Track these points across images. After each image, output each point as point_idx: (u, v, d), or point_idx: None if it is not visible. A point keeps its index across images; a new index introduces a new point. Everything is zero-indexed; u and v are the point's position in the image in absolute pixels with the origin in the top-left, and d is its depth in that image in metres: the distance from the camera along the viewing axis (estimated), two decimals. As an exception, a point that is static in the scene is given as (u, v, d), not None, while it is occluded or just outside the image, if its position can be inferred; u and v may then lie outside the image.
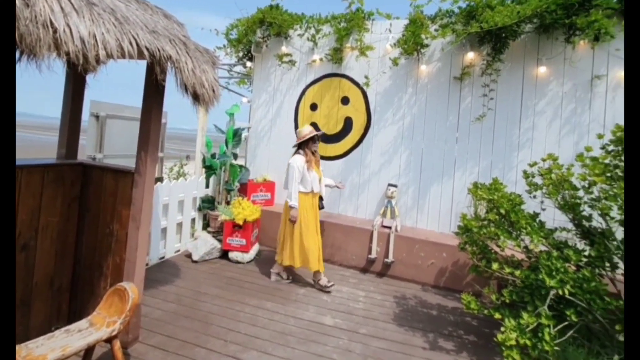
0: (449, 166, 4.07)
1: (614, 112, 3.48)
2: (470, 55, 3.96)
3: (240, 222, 3.84)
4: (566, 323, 2.17)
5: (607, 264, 2.37)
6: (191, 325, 2.61)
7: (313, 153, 3.37)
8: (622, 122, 2.51)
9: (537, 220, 2.71)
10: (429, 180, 4.10)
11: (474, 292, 2.85)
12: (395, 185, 4.11)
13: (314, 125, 4.53)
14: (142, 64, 2.13)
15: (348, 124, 4.52)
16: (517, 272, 2.40)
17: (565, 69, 3.71)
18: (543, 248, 2.47)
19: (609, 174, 2.49)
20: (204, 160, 4.59)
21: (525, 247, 2.61)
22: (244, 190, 4.56)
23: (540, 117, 3.74)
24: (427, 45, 4.11)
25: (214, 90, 2.32)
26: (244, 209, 3.91)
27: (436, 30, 3.99)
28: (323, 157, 4.62)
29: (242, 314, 2.84)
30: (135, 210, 2.32)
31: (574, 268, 2.37)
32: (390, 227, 3.85)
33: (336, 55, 4.55)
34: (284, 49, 4.76)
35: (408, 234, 3.78)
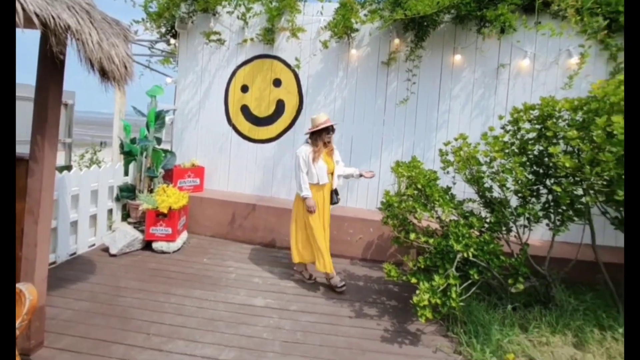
0: (377, 147, 4.26)
1: (514, 97, 3.93)
2: (396, 42, 4.14)
3: (165, 211, 3.59)
4: (470, 281, 2.43)
5: (504, 228, 2.70)
6: (107, 323, 2.39)
7: (325, 144, 3.10)
8: (519, 106, 2.84)
9: (450, 193, 2.98)
10: (359, 161, 4.25)
11: (396, 262, 3.05)
12: (326, 167, 4.19)
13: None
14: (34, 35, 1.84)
15: (280, 106, 4.45)
16: (431, 240, 2.61)
17: (476, 58, 4.07)
18: (453, 217, 2.72)
19: (506, 150, 2.83)
20: (121, 146, 4.17)
21: (439, 217, 2.85)
22: (169, 176, 4.25)
23: (455, 101, 4.08)
24: (357, 30, 4.18)
25: (126, 67, 2.08)
26: (169, 197, 3.66)
27: (365, 15, 4.08)
28: (254, 140, 4.50)
29: (167, 304, 2.68)
30: (32, 203, 2.03)
31: (477, 233, 2.66)
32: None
33: (268, 35, 4.42)
34: (212, 26, 4.47)
35: (338, 213, 3.89)
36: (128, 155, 4.06)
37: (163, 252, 3.66)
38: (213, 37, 4.47)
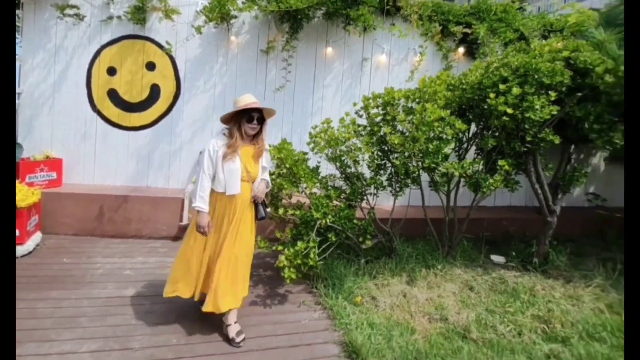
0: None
1: (375, 87, 4.55)
2: (274, 32, 4.33)
3: (10, 208, 3.10)
4: (329, 243, 2.83)
5: (358, 197, 3.19)
6: None
7: (246, 137, 2.26)
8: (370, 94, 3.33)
9: (319, 170, 3.36)
10: (243, 147, 4.36)
11: (274, 238, 3.31)
12: (207, 153, 4.19)
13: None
14: None
15: (155, 91, 4.22)
16: (297, 212, 2.93)
17: (345, 51, 4.56)
18: (316, 191, 3.08)
19: (362, 132, 3.33)
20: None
21: (308, 192, 3.19)
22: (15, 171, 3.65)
23: (327, 90, 4.52)
24: (235, 17, 4.22)
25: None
26: (14, 192, 3.16)
27: (243, 2, 4.14)
28: (125, 128, 4.18)
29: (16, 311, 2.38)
30: None
31: (336, 203, 3.08)
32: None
33: (138, 14, 4.10)
34: (67, -2, 3.93)
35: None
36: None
37: (10, 257, 3.16)
38: (69, 12, 3.93)
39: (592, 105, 3.12)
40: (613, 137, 3.03)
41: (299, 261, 2.63)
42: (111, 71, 4.14)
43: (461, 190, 3.47)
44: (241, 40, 4.38)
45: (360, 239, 2.97)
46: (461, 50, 4.64)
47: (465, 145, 3.50)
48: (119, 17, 4.11)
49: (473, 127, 3.46)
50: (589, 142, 3.28)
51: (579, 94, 3.13)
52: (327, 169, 3.43)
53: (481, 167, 3.12)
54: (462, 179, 3.07)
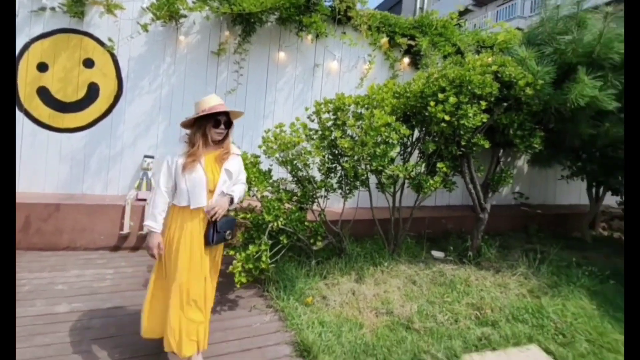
0: (210, 136, 4.32)
1: (326, 92, 4.68)
2: (226, 34, 4.26)
3: None
4: (280, 246, 2.85)
5: (309, 200, 3.25)
6: None
7: (210, 142, 1.96)
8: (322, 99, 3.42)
9: (271, 174, 3.36)
10: (192, 150, 4.22)
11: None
12: (151, 157, 3.99)
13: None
14: None
15: (93, 90, 3.93)
16: (249, 216, 2.91)
17: (297, 56, 4.63)
18: (268, 194, 3.09)
19: (314, 136, 3.40)
20: None
21: (259, 196, 3.18)
22: None
23: (280, 93, 4.56)
24: (184, 16, 4.09)
25: None
26: None
27: (194, 2, 4.02)
28: (57, 129, 3.83)
29: None
30: None
31: (288, 205, 3.11)
32: (146, 200, 3.73)
33: (75, 7, 3.80)
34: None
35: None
36: None
37: None
38: (-12, -1, 3.53)
39: (515, 114, 3.51)
40: (533, 142, 3.44)
41: (250, 265, 2.62)
42: (42, 67, 3.79)
43: (405, 191, 3.70)
44: (191, 40, 4.26)
45: (312, 241, 3.03)
46: (406, 60, 4.95)
47: (409, 149, 3.74)
48: (52, 9, 3.78)
49: (416, 133, 3.71)
50: (514, 147, 3.69)
51: (505, 104, 3.50)
52: (280, 172, 3.46)
53: (423, 169, 3.35)
54: (407, 181, 3.28)
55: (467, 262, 3.45)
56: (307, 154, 3.14)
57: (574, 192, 5.87)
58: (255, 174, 3.08)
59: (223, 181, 1.97)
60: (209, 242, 1.93)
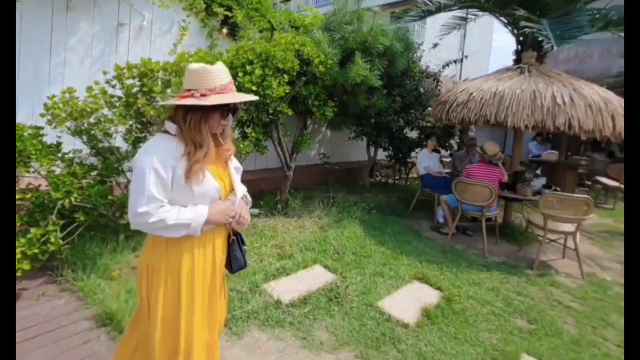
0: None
1: (135, 56, 4.25)
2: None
3: None
4: (76, 224, 2.60)
5: (114, 173, 3.04)
6: None
7: (218, 137, 1.38)
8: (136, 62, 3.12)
9: (60, 147, 2.92)
10: None
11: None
12: None
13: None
14: None
15: None
16: (28, 196, 2.50)
17: (95, 12, 3.97)
18: (57, 169, 2.71)
19: (116, 103, 3.12)
20: None
21: (45, 172, 2.74)
22: None
23: (72, 54, 3.85)
24: None
25: None
26: None
27: None
28: None
29: None
30: None
31: (85, 180, 2.82)
32: None
33: None
34: None
35: None
36: None
37: None
38: None
39: (313, 87, 4.19)
40: (326, 111, 4.22)
41: (36, 250, 2.30)
42: None
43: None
44: None
45: (117, 214, 2.88)
46: (225, 31, 5.00)
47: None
48: None
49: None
50: (313, 115, 4.42)
51: (304, 78, 4.12)
52: (75, 144, 3.05)
53: (237, 135, 3.63)
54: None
55: (277, 214, 4.04)
56: (109, 122, 2.89)
57: (360, 150, 7.43)
58: (37, 147, 2.63)
59: (239, 183, 1.51)
60: (241, 264, 1.50)
